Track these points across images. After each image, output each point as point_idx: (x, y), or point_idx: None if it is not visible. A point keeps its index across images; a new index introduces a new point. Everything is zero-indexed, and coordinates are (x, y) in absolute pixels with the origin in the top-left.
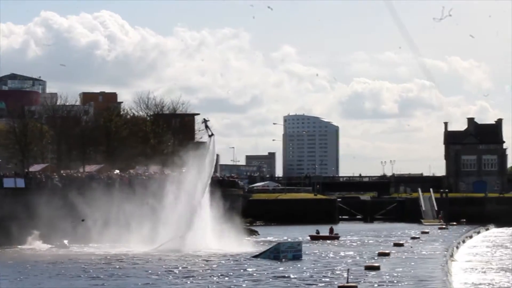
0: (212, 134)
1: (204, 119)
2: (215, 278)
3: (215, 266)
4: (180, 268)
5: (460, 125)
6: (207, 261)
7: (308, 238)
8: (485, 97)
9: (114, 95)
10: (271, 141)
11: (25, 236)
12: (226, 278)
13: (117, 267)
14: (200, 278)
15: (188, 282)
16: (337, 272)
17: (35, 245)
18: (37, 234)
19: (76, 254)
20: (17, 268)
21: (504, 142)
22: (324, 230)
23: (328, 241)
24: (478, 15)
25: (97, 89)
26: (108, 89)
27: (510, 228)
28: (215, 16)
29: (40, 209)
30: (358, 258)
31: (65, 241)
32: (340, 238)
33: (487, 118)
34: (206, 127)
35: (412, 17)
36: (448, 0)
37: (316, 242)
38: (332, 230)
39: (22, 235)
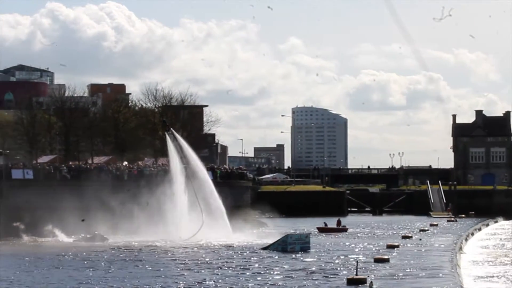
0: (168, 130)
1: (163, 120)
2: (223, 270)
3: (224, 258)
4: (189, 259)
5: (467, 118)
6: (216, 253)
7: (316, 230)
8: (491, 91)
9: (122, 87)
10: (279, 133)
11: (40, 227)
12: (235, 271)
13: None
14: (208, 270)
15: (197, 274)
16: (346, 264)
17: (59, 236)
18: (53, 226)
19: (119, 245)
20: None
21: None
22: (332, 222)
23: (336, 234)
24: (478, 15)
25: (104, 81)
26: (115, 81)
27: None
28: (222, 7)
29: (55, 200)
30: (366, 250)
31: (97, 232)
32: (348, 231)
33: (495, 110)
34: (164, 126)
35: (412, 17)
36: (448, 0)
37: (324, 234)
38: (339, 222)
39: (36, 227)
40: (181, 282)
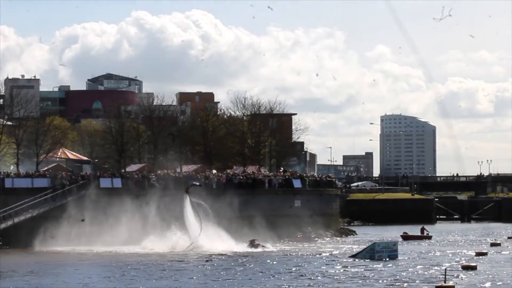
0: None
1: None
2: (313, 280)
3: (313, 266)
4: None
5: None
6: (305, 261)
7: (400, 238)
8: None
9: (211, 95)
10: (368, 141)
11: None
12: (325, 279)
13: None
14: (302, 278)
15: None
16: (434, 272)
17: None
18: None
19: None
20: None
21: None
22: (416, 230)
23: (421, 241)
24: (478, 15)
25: (190, 89)
26: (202, 89)
27: None
28: (309, 15)
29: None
30: (454, 258)
31: (255, 241)
32: (434, 238)
33: None
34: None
35: (412, 18)
36: (448, 0)
37: (409, 242)
38: (423, 230)
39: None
40: None
